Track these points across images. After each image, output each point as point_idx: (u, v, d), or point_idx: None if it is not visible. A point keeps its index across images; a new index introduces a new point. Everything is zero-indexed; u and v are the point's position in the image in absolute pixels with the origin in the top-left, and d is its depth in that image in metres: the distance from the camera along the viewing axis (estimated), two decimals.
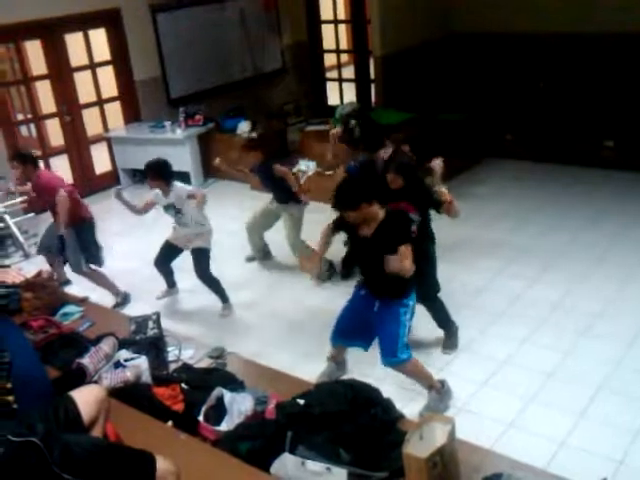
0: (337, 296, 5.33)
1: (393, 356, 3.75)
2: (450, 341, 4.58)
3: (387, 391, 3.45)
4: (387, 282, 3.66)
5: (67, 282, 5.78)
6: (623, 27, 7.68)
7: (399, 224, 3.64)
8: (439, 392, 3.93)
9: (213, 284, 5.27)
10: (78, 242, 5.30)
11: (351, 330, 3.97)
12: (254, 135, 7.45)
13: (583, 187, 7.06)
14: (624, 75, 8.05)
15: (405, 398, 3.85)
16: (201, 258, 5.17)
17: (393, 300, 3.73)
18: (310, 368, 4.23)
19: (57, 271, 5.55)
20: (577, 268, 5.44)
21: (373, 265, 3.67)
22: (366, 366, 4.30)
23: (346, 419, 3.12)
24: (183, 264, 5.44)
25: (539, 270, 5.47)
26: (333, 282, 5.61)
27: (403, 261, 3.49)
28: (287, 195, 5.59)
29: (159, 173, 4.99)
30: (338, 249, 5.76)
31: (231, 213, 7.03)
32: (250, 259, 6.22)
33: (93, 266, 5.43)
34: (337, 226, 3.87)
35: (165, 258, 5.37)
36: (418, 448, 2.75)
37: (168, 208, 5.12)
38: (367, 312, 3.81)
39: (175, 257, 5.38)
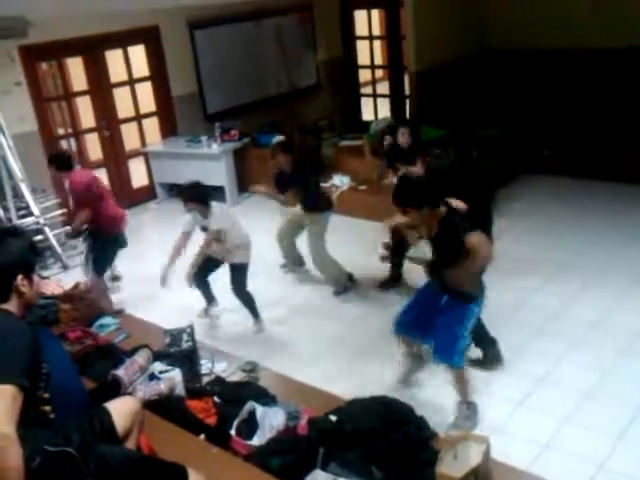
0: (371, 313, 5.34)
1: (449, 357, 3.76)
2: (489, 358, 4.47)
3: (420, 409, 3.41)
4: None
5: (117, 278, 6.01)
6: None
7: (450, 234, 3.60)
8: (469, 409, 3.89)
9: (248, 301, 5.20)
10: (91, 248, 5.34)
11: (414, 321, 3.97)
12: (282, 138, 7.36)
13: (622, 203, 6.92)
14: None
15: (439, 417, 3.79)
16: (239, 273, 5.10)
17: (459, 301, 3.74)
18: (342, 384, 4.20)
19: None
20: (617, 285, 5.33)
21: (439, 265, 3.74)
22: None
23: (378, 436, 3.10)
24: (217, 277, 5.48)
25: (578, 287, 5.37)
26: (365, 297, 5.59)
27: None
28: (312, 203, 5.59)
29: (197, 197, 4.88)
30: (354, 260, 5.77)
31: (265, 226, 7.06)
32: (283, 266, 6.26)
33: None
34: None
35: (202, 272, 5.17)
36: (452, 468, 2.72)
37: (205, 229, 5.00)
38: (434, 305, 3.83)
39: (213, 271, 5.26)
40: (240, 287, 5.14)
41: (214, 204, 4.96)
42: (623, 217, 6.62)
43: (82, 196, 5.20)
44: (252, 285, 5.28)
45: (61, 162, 5.31)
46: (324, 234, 5.66)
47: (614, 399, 4.02)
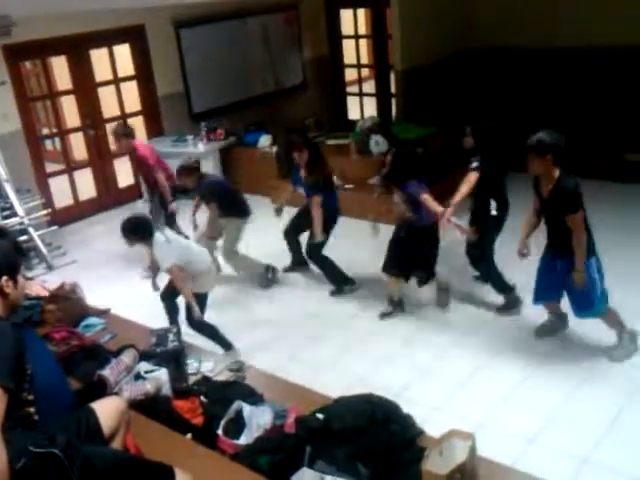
0: (358, 310, 5.36)
1: (591, 309, 4.23)
2: (509, 303, 4.96)
3: (406, 407, 3.43)
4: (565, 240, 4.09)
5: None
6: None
7: (566, 192, 4.04)
8: (630, 335, 4.38)
9: (209, 332, 4.70)
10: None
11: (547, 287, 4.42)
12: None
13: (604, 201, 6.97)
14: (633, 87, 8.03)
15: (425, 414, 3.81)
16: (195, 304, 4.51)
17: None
18: (329, 382, 4.22)
19: None
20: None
21: (553, 224, 4.19)
22: (384, 379, 4.29)
23: (365, 434, 3.10)
24: None
25: None
26: (352, 295, 5.60)
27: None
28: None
29: (135, 234, 4.36)
30: (344, 254, 5.80)
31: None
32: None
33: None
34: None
35: (170, 297, 4.83)
36: (438, 465, 2.73)
37: None
38: (553, 274, 4.28)
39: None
40: (195, 319, 4.56)
41: (156, 237, 4.36)
42: (605, 214, 6.66)
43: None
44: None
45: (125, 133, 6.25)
46: (238, 233, 5.79)
47: (599, 394, 4.06)
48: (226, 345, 4.71)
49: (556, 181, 4.07)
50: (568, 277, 4.14)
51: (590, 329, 4.76)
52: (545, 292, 4.47)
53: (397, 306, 5.24)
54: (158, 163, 6.36)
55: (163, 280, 4.83)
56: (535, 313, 4.79)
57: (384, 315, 5.22)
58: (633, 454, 3.56)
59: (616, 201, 6.98)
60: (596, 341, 4.60)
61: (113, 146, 8.37)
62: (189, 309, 4.53)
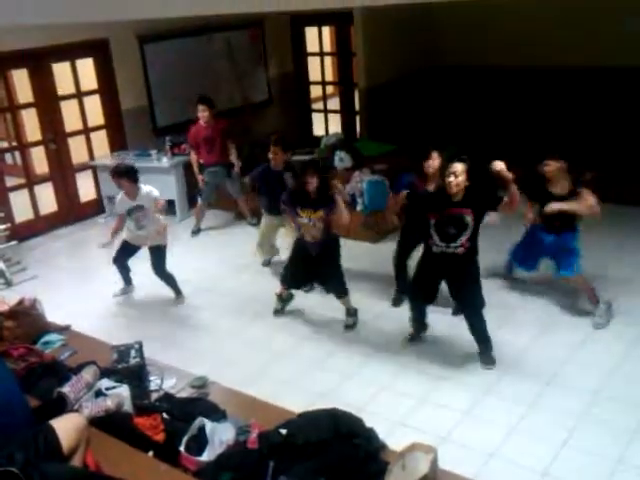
0: (320, 327, 5.38)
1: (572, 269, 5.01)
2: (488, 356, 4.66)
3: (369, 421, 3.45)
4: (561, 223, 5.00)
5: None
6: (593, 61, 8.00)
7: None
8: (605, 305, 5.04)
9: (169, 279, 5.83)
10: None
11: (528, 259, 5.35)
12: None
13: None
14: (602, 107, 8.25)
15: (387, 428, 3.84)
16: (158, 255, 5.71)
17: (569, 232, 5.04)
18: (292, 397, 4.21)
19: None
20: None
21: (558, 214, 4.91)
22: (350, 393, 4.31)
23: (329, 449, 3.11)
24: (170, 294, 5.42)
25: (518, 296, 5.53)
26: (318, 311, 5.62)
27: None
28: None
29: (128, 176, 5.49)
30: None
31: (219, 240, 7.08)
32: (265, 264, 6.50)
33: None
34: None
35: (123, 256, 5.88)
36: (401, 478, 2.75)
37: (132, 211, 5.60)
38: (539, 247, 5.19)
39: (133, 254, 5.89)
40: (160, 268, 5.75)
41: (142, 186, 5.59)
42: None
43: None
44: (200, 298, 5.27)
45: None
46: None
47: (557, 409, 4.14)
48: (179, 292, 5.90)
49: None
50: (558, 250, 5.06)
51: (549, 340, 4.87)
52: (529, 262, 5.35)
53: (355, 315, 5.31)
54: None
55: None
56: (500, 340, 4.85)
57: (348, 327, 5.27)
58: (588, 467, 3.63)
59: None
60: (552, 355, 4.71)
61: (75, 160, 8.30)
62: (155, 261, 5.72)
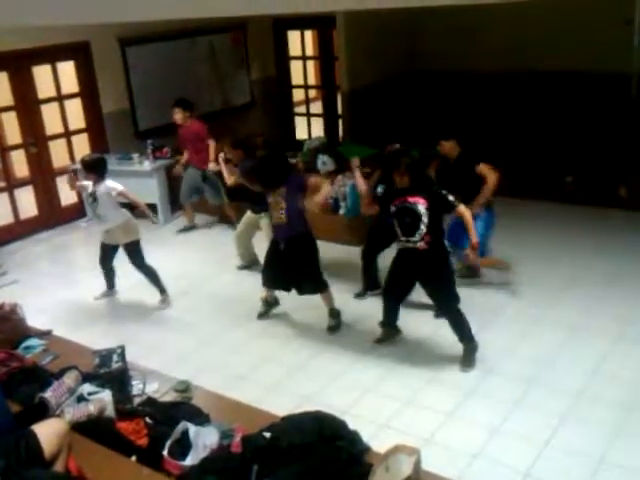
0: (303, 330, 5.37)
1: (481, 252, 5.29)
2: (469, 357, 4.68)
3: (353, 424, 3.45)
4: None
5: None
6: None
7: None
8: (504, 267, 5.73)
9: (150, 274, 5.79)
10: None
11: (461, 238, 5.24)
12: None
13: (545, 222, 7.22)
14: (580, 111, 8.37)
15: (371, 430, 3.85)
16: (132, 250, 5.68)
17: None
18: (276, 400, 4.21)
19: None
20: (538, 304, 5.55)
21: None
22: (333, 396, 4.31)
23: (312, 452, 3.11)
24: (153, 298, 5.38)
25: (505, 296, 5.57)
26: (301, 313, 5.61)
27: None
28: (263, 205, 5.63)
29: (94, 169, 5.53)
30: None
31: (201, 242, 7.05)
32: (241, 268, 6.51)
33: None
34: None
35: (106, 259, 5.86)
36: None
37: (89, 197, 5.67)
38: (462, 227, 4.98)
39: (114, 255, 5.84)
40: (138, 262, 5.74)
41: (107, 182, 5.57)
42: (543, 232, 6.91)
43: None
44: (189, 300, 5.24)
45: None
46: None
47: (540, 409, 4.17)
48: (162, 289, 5.86)
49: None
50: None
51: (531, 341, 4.91)
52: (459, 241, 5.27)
53: (338, 317, 5.36)
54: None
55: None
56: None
57: (331, 329, 5.29)
58: (571, 467, 3.67)
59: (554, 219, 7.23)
60: (535, 355, 4.75)
61: (56, 164, 8.23)
62: (132, 257, 5.71)
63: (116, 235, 5.67)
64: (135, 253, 5.72)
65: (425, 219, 4.43)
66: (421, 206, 4.44)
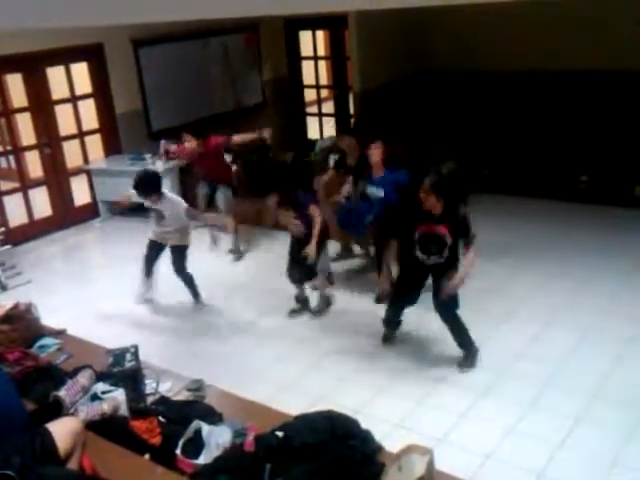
0: (316, 330, 5.38)
1: None
2: (468, 360, 4.65)
3: (366, 423, 3.45)
4: None
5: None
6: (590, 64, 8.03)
7: None
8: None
9: (188, 281, 5.80)
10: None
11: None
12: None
13: (560, 221, 7.18)
14: (594, 111, 8.30)
15: (384, 430, 3.84)
16: (178, 255, 5.69)
17: None
18: (289, 400, 4.22)
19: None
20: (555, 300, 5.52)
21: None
22: (346, 396, 4.31)
23: (325, 451, 3.11)
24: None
25: (519, 298, 5.54)
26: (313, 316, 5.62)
27: None
28: None
29: (153, 188, 5.44)
30: None
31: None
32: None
33: None
34: None
35: (151, 258, 5.78)
36: None
37: (153, 210, 5.62)
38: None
39: (159, 255, 5.78)
40: (180, 268, 5.74)
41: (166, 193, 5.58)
42: (555, 234, 6.87)
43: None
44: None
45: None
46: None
47: (554, 410, 4.15)
48: (197, 295, 5.84)
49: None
50: None
51: (545, 342, 4.88)
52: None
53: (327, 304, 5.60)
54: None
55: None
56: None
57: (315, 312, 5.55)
58: (584, 468, 3.64)
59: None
60: (549, 356, 4.72)
61: (70, 164, 8.28)
62: (175, 261, 5.71)
63: (170, 236, 5.65)
64: (180, 257, 5.71)
65: (448, 241, 4.40)
66: (447, 236, 4.39)
